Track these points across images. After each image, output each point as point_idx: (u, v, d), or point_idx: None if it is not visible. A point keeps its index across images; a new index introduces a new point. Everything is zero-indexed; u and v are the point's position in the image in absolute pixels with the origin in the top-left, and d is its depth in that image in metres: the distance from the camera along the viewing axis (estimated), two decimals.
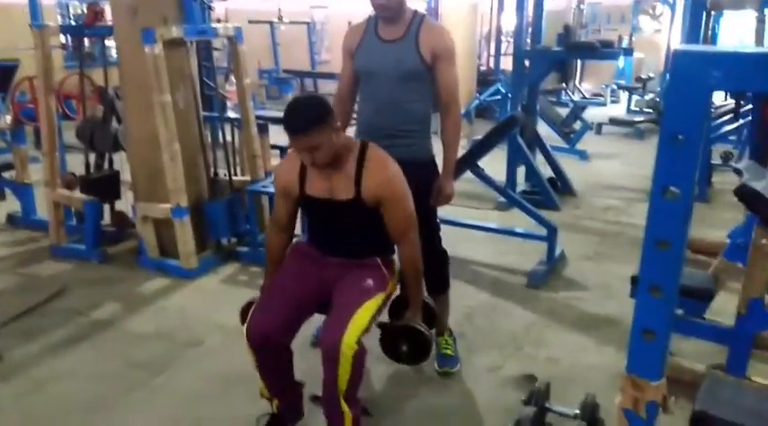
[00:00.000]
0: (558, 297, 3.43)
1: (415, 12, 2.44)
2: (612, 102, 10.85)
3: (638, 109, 9.20)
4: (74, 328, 3.09)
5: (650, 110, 8.69)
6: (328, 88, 10.93)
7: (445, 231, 2.72)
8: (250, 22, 9.47)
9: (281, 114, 2.11)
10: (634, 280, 2.57)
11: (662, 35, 11.83)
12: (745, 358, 2.52)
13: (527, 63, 4.92)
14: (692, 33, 3.55)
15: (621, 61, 11.62)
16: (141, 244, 3.81)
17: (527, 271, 3.67)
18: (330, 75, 11.06)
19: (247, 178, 4.12)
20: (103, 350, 2.92)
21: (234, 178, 4.06)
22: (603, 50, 4.75)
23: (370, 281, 2.12)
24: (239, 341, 2.05)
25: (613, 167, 6.46)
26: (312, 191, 2.12)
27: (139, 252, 3.85)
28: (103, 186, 4.15)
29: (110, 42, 4.33)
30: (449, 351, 2.73)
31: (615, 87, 10.97)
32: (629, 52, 7.04)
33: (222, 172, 4.09)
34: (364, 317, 1.99)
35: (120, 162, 4.25)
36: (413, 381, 2.66)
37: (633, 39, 11.71)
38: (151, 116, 3.44)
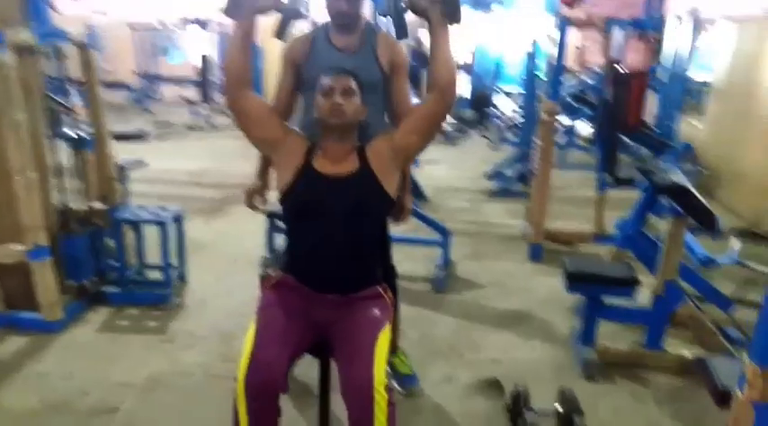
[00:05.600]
0: (465, 299, 3.53)
1: (367, 21, 2.32)
2: None
3: None
4: None
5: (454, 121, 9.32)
6: (110, 98, 9.95)
7: None
8: None
9: None
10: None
11: None
12: (662, 333, 2.85)
13: None
14: None
15: None
16: None
17: (428, 278, 3.72)
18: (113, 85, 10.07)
19: (102, 206, 3.51)
20: None
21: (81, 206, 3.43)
22: None
23: (376, 311, 1.94)
24: (157, 399, 1.72)
25: (443, 172, 6.85)
26: (318, 166, 1.95)
27: None
28: None
29: None
30: (407, 369, 2.64)
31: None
32: None
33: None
34: (383, 351, 1.82)
35: None
36: None
37: None
38: None
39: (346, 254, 1.96)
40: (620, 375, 2.78)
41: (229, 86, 1.96)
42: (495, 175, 6.16)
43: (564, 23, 3.62)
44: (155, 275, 3.56)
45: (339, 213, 1.92)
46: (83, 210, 3.36)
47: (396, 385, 2.59)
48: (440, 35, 1.91)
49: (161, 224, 3.33)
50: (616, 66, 3.92)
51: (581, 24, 3.82)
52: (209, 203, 5.34)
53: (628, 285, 2.72)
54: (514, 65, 10.19)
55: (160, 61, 11.78)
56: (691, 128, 6.54)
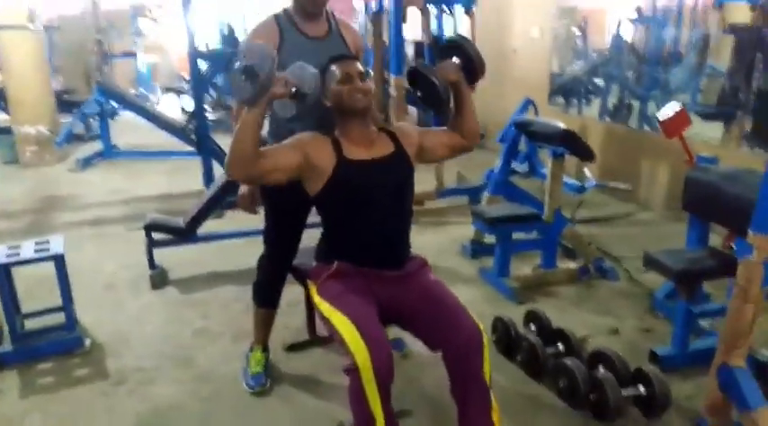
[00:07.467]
0: None
1: None
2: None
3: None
4: None
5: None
6: None
7: None
8: None
9: None
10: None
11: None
12: (555, 253, 3.52)
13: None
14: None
15: (143, 65, 11.75)
16: None
17: None
18: None
19: None
20: None
21: None
22: None
23: (431, 275, 2.14)
24: None
25: None
26: (352, 155, 2.03)
27: None
28: None
29: None
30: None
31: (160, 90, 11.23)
32: None
33: None
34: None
35: None
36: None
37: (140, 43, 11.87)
38: None
39: (398, 229, 2.13)
40: (535, 295, 3.38)
41: (244, 167, 1.90)
42: None
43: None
44: (38, 322, 3.03)
45: (388, 193, 2.07)
46: None
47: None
48: (467, 95, 2.15)
49: (56, 258, 2.86)
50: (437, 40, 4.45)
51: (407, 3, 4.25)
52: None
53: (535, 220, 3.31)
54: None
55: None
56: None
